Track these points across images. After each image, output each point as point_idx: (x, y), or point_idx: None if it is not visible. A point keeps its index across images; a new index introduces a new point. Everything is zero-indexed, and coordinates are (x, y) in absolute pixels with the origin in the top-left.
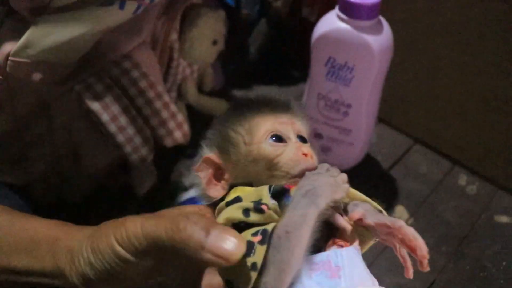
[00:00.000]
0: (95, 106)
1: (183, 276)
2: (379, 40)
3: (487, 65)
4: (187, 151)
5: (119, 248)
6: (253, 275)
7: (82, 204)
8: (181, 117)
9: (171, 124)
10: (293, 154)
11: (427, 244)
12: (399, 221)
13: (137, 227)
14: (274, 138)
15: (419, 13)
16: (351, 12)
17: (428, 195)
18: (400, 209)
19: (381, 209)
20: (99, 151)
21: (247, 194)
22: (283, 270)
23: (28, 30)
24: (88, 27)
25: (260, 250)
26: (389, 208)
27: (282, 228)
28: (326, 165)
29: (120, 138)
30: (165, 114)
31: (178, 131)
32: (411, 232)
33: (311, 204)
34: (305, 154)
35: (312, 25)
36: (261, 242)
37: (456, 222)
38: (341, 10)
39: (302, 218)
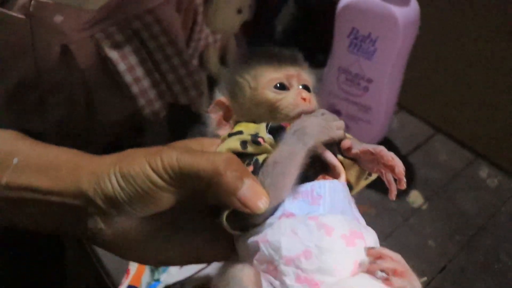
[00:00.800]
0: (113, 54)
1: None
2: (405, 12)
3: None
4: (202, 118)
5: (154, 175)
6: None
7: None
8: (199, 77)
9: (188, 82)
10: (293, 99)
11: (442, 231)
12: (380, 146)
13: (173, 159)
14: (278, 86)
15: None
16: None
17: (446, 184)
18: (414, 194)
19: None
20: (114, 102)
21: (248, 128)
22: (268, 194)
23: None
24: None
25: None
26: (403, 192)
27: (271, 159)
28: (323, 110)
29: (135, 89)
30: (182, 71)
31: (194, 90)
32: (389, 154)
33: (299, 142)
34: (304, 99)
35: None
36: (253, 172)
37: (473, 212)
38: None
39: (289, 153)
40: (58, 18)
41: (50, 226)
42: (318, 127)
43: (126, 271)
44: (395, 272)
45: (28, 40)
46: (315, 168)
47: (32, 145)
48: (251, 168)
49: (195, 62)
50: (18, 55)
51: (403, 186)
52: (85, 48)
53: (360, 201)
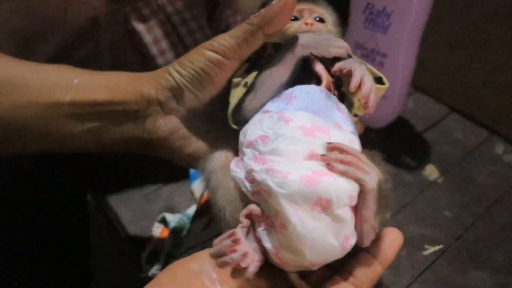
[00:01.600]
0: (140, 27)
1: None
2: None
3: None
4: None
5: (210, 52)
6: (242, 91)
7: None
8: None
9: None
10: (298, 25)
11: (458, 203)
12: (355, 65)
13: (225, 36)
14: (292, 18)
15: None
16: None
17: (462, 159)
18: (430, 168)
19: (380, 75)
20: None
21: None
22: (256, 92)
23: None
24: None
25: (252, 74)
26: (419, 166)
27: (265, 66)
28: (327, 34)
29: (160, 60)
30: None
31: None
32: (359, 74)
33: (289, 51)
34: (307, 23)
35: None
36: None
37: (489, 185)
38: None
39: (278, 59)
40: None
41: (108, 138)
42: (311, 40)
43: (149, 235)
44: (341, 161)
45: (60, 14)
46: (310, 78)
47: (89, 71)
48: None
49: None
50: (50, 28)
51: (367, 108)
52: (114, 21)
53: None
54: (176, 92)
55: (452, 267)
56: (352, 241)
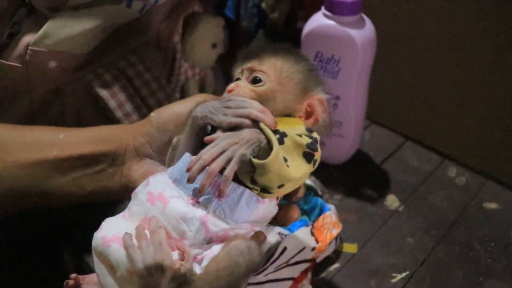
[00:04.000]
0: (103, 93)
1: None
2: (362, 33)
3: (471, 59)
4: None
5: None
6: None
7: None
8: None
9: None
10: (225, 93)
11: (418, 228)
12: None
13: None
14: (234, 81)
15: (402, 12)
16: (335, 9)
17: (418, 185)
18: (391, 198)
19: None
20: None
21: None
22: (174, 157)
23: (46, 23)
24: (98, 22)
25: (176, 139)
26: (381, 196)
27: None
28: (234, 97)
29: (126, 123)
30: (166, 103)
31: None
32: (205, 156)
33: (190, 120)
34: (229, 90)
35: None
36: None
37: (446, 208)
38: (326, 8)
39: (187, 127)
40: (52, 64)
41: (90, 186)
42: (207, 111)
43: None
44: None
45: (24, 85)
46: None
47: (72, 128)
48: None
49: (177, 95)
50: (14, 99)
51: (222, 187)
52: (77, 89)
53: (341, 209)
54: (151, 137)
55: None
56: None
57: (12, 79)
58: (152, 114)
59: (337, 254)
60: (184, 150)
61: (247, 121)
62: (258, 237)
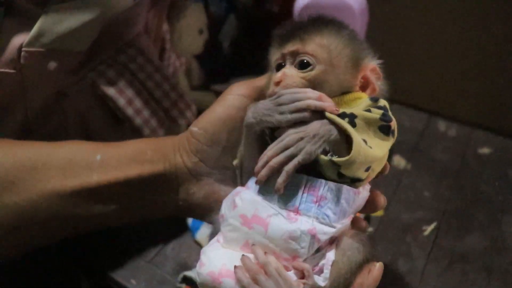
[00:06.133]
0: (110, 91)
1: None
2: (358, 2)
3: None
4: None
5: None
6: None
7: None
8: (187, 97)
9: (181, 105)
10: (271, 86)
11: (430, 181)
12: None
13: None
14: (277, 68)
15: None
16: None
17: (417, 143)
18: (397, 158)
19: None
20: (116, 139)
21: None
22: (242, 176)
23: (39, 20)
24: (96, 13)
25: (239, 156)
26: (388, 158)
27: None
28: (285, 91)
29: (138, 120)
30: (174, 95)
31: (188, 110)
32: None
33: (245, 128)
34: (277, 82)
35: (275, 15)
36: None
37: (447, 159)
38: None
39: (244, 139)
40: (52, 65)
41: (139, 212)
42: (260, 114)
43: None
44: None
45: (17, 94)
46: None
47: (106, 143)
48: None
49: None
50: (5, 111)
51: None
52: (81, 90)
53: None
54: (203, 154)
55: (450, 237)
56: None
57: (3, 88)
58: (194, 128)
59: (366, 220)
60: (250, 164)
61: (307, 114)
62: (361, 226)
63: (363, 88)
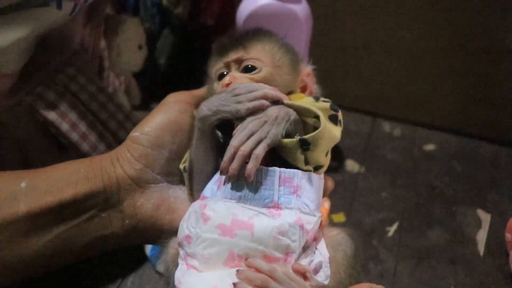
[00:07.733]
0: (51, 115)
1: None
2: (302, 8)
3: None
4: None
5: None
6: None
7: None
8: (134, 118)
9: (129, 126)
10: (219, 89)
11: (384, 182)
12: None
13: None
14: (219, 77)
15: None
16: None
17: (366, 145)
18: (350, 163)
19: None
20: None
21: None
22: (193, 178)
23: None
24: (30, 29)
25: (187, 157)
26: (340, 164)
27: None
28: (239, 85)
29: (85, 146)
30: (120, 116)
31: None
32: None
33: (197, 124)
34: (226, 84)
35: (211, 28)
36: None
37: (397, 159)
38: None
39: (195, 137)
40: None
41: (81, 242)
42: (216, 104)
43: None
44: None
45: None
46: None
47: (31, 170)
48: None
49: None
50: None
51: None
52: (18, 115)
53: None
54: (148, 158)
55: (413, 235)
56: None
57: None
58: (135, 134)
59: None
60: (203, 166)
61: (267, 102)
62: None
63: (302, 91)
